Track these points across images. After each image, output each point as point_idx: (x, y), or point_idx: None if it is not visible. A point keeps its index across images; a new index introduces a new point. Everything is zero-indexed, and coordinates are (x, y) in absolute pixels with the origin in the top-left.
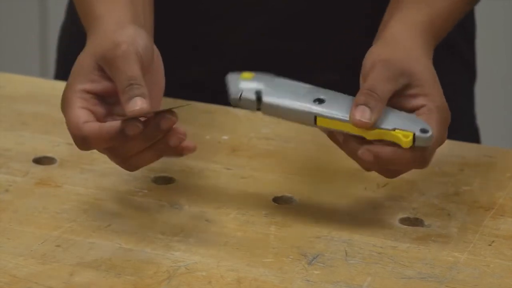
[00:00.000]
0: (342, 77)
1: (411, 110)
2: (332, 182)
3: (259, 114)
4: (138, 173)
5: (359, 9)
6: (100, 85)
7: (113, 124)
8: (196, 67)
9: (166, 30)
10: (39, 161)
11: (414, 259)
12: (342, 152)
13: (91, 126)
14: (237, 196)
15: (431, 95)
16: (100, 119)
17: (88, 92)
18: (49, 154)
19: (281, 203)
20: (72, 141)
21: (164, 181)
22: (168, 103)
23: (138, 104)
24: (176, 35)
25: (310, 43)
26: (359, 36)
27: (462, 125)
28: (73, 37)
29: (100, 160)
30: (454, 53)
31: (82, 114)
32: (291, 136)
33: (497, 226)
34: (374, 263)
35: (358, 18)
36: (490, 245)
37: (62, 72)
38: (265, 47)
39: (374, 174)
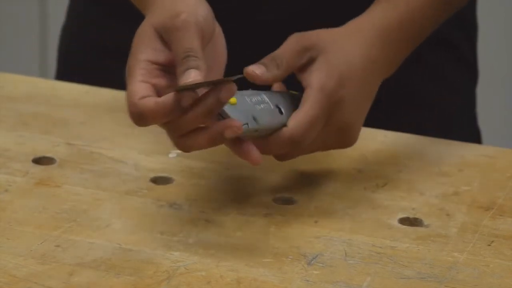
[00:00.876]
0: None
1: (305, 86)
2: (332, 182)
3: None
4: (137, 173)
5: (362, 7)
6: (163, 55)
7: (168, 97)
8: None
9: None
10: (38, 161)
11: (414, 259)
12: (342, 152)
13: (147, 102)
14: (237, 196)
15: (324, 72)
16: (162, 91)
17: (151, 62)
18: (49, 154)
19: (281, 203)
20: (72, 141)
21: (164, 181)
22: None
23: (191, 76)
24: None
25: None
26: None
27: (462, 125)
28: (74, 37)
29: (99, 160)
30: (456, 54)
31: (140, 89)
32: None
33: (496, 226)
34: (374, 263)
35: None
36: (489, 245)
37: (63, 72)
38: (271, 45)
39: (373, 174)
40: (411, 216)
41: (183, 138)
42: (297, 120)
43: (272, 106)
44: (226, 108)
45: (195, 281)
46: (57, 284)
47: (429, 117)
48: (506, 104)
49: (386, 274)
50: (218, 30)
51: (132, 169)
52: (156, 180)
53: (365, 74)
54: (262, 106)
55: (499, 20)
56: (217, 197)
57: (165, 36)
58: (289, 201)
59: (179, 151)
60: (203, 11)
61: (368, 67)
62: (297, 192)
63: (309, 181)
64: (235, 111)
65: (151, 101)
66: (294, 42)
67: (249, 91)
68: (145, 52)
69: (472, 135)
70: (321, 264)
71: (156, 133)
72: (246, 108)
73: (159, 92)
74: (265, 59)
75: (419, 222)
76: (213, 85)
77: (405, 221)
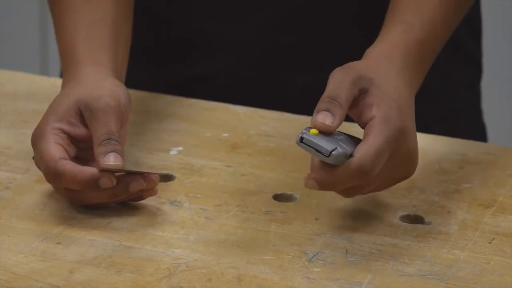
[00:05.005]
0: None
1: (365, 120)
2: None
3: (259, 111)
4: (138, 170)
5: (362, 3)
6: (77, 130)
7: (89, 170)
8: (199, 63)
9: (170, 25)
10: None
11: (415, 256)
12: None
13: (67, 164)
14: (237, 193)
15: (383, 104)
16: (74, 161)
17: (64, 132)
18: None
19: (282, 201)
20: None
21: (164, 178)
22: (169, 101)
23: (111, 160)
24: (179, 30)
25: (315, 37)
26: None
27: (467, 121)
28: None
29: None
30: (461, 51)
31: (58, 150)
32: (292, 133)
33: (497, 223)
34: (375, 260)
35: (361, 13)
36: (490, 242)
37: None
38: (269, 42)
39: None
40: (412, 213)
41: (83, 202)
42: (363, 150)
43: (348, 137)
44: (311, 137)
45: (196, 279)
46: (57, 281)
47: (435, 112)
48: (509, 100)
49: (387, 271)
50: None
51: (133, 166)
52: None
53: (411, 98)
54: (340, 137)
55: (503, 16)
56: (217, 195)
57: (86, 114)
58: (289, 199)
59: (180, 148)
60: (123, 95)
61: (409, 90)
62: (298, 189)
63: None
64: (321, 139)
65: (70, 165)
66: (342, 77)
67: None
68: (60, 122)
69: (478, 130)
70: (321, 262)
71: (156, 131)
72: (330, 137)
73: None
74: (325, 103)
75: (420, 219)
76: (131, 174)
77: (406, 218)
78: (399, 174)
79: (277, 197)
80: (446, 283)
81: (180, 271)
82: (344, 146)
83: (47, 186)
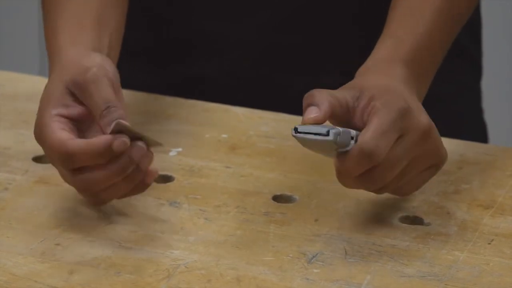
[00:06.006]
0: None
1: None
2: (332, 181)
3: (258, 112)
4: None
5: (362, 4)
6: (75, 110)
7: (101, 138)
8: (199, 63)
9: (170, 25)
10: (38, 159)
11: (414, 257)
12: None
13: (78, 141)
14: (237, 194)
15: (376, 95)
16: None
17: (63, 116)
18: None
19: (281, 202)
20: None
21: (164, 179)
22: (169, 102)
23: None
24: (179, 30)
25: (315, 37)
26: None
27: (468, 120)
28: None
29: None
30: (462, 53)
31: (64, 133)
32: (291, 134)
33: (496, 224)
34: (374, 261)
35: (361, 13)
36: (489, 243)
37: None
38: (269, 42)
39: None
40: (411, 214)
41: (98, 194)
42: (364, 131)
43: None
44: (306, 126)
45: (195, 280)
46: (57, 282)
47: (435, 112)
48: (509, 100)
49: (386, 272)
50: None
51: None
52: (156, 179)
53: (409, 91)
54: (340, 127)
55: (503, 16)
56: (217, 196)
57: (77, 92)
58: (289, 200)
59: (179, 149)
60: (110, 67)
61: (403, 86)
62: (297, 190)
63: (308, 180)
64: (316, 125)
65: (81, 141)
66: (346, 89)
67: None
68: (56, 109)
69: (479, 130)
70: (321, 263)
71: (156, 132)
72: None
73: None
74: (306, 99)
75: (419, 220)
76: (138, 139)
77: (405, 219)
78: (427, 161)
79: (277, 198)
80: (446, 284)
81: (179, 272)
82: (346, 129)
83: (46, 187)
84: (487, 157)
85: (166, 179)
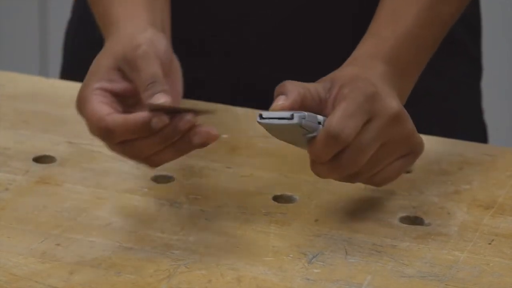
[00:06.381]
0: None
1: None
2: (332, 181)
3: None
4: (138, 171)
5: (362, 4)
6: (119, 85)
7: (140, 115)
8: (198, 63)
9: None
10: (39, 159)
11: (414, 257)
12: None
13: (116, 117)
14: (237, 194)
15: (346, 83)
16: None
17: (106, 90)
18: (49, 153)
19: (281, 202)
20: (72, 140)
21: (164, 179)
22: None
23: (161, 99)
24: (179, 31)
25: (315, 37)
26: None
27: (468, 120)
28: (79, 32)
29: (100, 159)
30: (459, 50)
31: (103, 107)
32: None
33: (497, 224)
34: (374, 261)
35: (361, 14)
36: (490, 243)
37: (68, 67)
38: (269, 42)
39: None
40: (411, 214)
41: (148, 159)
42: (330, 117)
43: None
44: (270, 112)
45: (195, 280)
46: (57, 282)
47: (433, 113)
48: (509, 100)
49: (386, 272)
50: (176, 64)
51: (132, 168)
52: (157, 179)
53: (382, 81)
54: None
55: (503, 16)
56: (217, 196)
57: (125, 67)
58: (289, 200)
59: None
60: (161, 44)
61: (386, 72)
62: (297, 190)
63: (309, 180)
64: (279, 112)
65: (120, 116)
66: (319, 82)
67: None
68: (99, 82)
69: (478, 129)
70: (321, 263)
71: None
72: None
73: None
74: (276, 91)
75: (420, 220)
76: (182, 112)
77: (405, 219)
78: (400, 147)
79: (277, 198)
80: (446, 284)
81: (179, 272)
82: (312, 114)
83: (46, 187)
84: (487, 157)
85: (167, 179)
